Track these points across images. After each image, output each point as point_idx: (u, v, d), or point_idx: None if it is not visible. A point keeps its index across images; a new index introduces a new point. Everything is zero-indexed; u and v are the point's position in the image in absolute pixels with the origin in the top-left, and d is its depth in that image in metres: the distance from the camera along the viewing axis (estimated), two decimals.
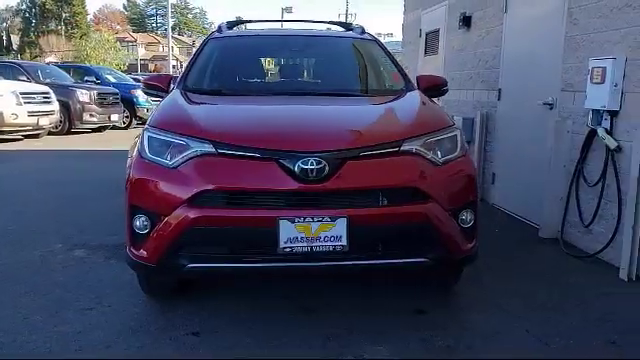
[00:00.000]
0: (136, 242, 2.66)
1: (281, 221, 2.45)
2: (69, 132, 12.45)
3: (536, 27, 4.80)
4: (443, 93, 3.82)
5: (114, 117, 13.33)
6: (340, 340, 2.60)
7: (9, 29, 57.86)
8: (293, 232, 2.46)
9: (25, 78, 12.11)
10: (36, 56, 46.94)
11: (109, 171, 6.72)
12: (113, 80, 15.54)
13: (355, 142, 2.68)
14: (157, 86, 3.70)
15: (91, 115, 12.54)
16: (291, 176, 2.48)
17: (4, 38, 55.99)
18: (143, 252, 2.63)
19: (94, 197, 5.65)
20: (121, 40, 53.20)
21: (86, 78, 14.36)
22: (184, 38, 71.35)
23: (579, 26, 4.12)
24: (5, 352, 2.46)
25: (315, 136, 2.68)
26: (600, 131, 3.74)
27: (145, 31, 74.68)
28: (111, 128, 13.90)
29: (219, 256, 2.63)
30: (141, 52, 59.39)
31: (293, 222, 2.46)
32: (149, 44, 66.29)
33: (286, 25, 6.88)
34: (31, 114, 10.61)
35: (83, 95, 12.44)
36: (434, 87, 3.72)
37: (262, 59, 4.52)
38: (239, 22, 4.95)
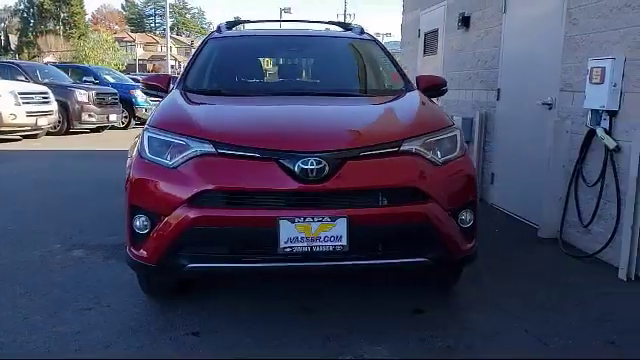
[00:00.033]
0: (136, 242, 2.66)
1: (281, 221, 2.45)
2: (67, 132, 12.44)
3: (535, 27, 4.80)
4: (442, 93, 3.82)
5: (113, 117, 13.31)
6: (340, 340, 2.60)
7: (7, 29, 57.78)
8: (293, 232, 2.46)
9: (23, 78, 12.11)
10: (34, 56, 46.89)
11: (108, 171, 6.72)
12: (112, 80, 15.53)
13: (355, 142, 2.68)
14: (157, 86, 3.70)
15: (90, 115, 12.54)
16: (291, 176, 2.49)
17: (2, 38, 55.90)
18: (143, 252, 2.63)
19: (93, 197, 5.65)
20: (119, 40, 53.26)
21: (84, 78, 14.37)
22: (182, 38, 71.37)
23: (578, 26, 4.12)
24: (5, 352, 2.45)
25: (315, 136, 2.68)
26: (599, 131, 3.75)
27: (143, 31, 74.66)
28: (110, 128, 13.89)
29: (219, 256, 2.63)
30: (139, 52, 59.39)
31: (293, 222, 2.46)
32: (147, 44, 66.28)
33: (285, 25, 6.88)
34: (29, 114, 10.60)
35: (82, 95, 12.43)
36: (433, 87, 3.72)
37: (262, 59, 4.52)
38: (238, 22, 4.95)
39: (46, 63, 22.07)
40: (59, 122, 12.09)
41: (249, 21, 5.30)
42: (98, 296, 3.06)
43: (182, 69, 3.94)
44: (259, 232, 2.51)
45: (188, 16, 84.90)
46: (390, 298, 3.15)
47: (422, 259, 2.66)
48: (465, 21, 6.14)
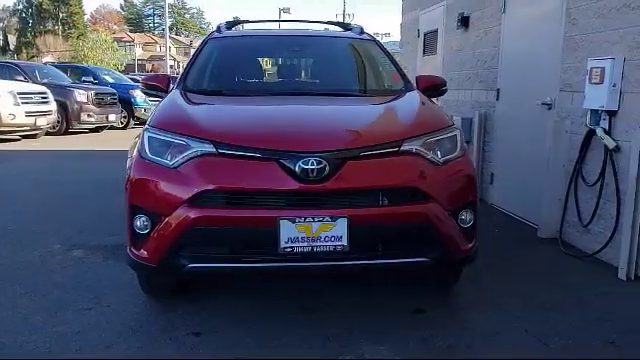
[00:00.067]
0: (136, 242, 2.66)
1: (282, 221, 2.45)
2: (67, 132, 12.43)
3: (535, 27, 4.81)
4: (442, 93, 3.82)
5: (112, 117, 13.31)
6: (340, 340, 2.60)
7: (6, 29, 57.72)
8: (294, 232, 2.46)
9: (22, 78, 12.09)
10: (33, 56, 46.87)
11: (107, 171, 6.71)
12: (111, 80, 15.52)
13: (355, 142, 2.68)
14: (156, 86, 3.70)
15: (89, 115, 12.53)
16: (291, 176, 2.49)
17: (1, 38, 55.86)
18: (143, 252, 2.63)
19: (93, 197, 5.64)
20: (118, 40, 53.20)
21: (84, 78, 14.37)
22: (181, 38, 71.33)
23: (578, 26, 4.13)
24: (5, 352, 2.45)
25: (315, 136, 2.68)
26: (599, 131, 3.75)
27: (142, 31, 74.62)
28: (109, 128, 13.87)
29: (220, 256, 2.63)
30: (138, 52, 59.35)
31: (294, 222, 2.46)
32: (146, 44, 66.23)
33: (285, 25, 6.89)
34: (29, 114, 10.59)
35: (81, 95, 12.42)
36: (433, 87, 3.72)
37: (262, 59, 4.52)
38: (238, 22, 4.95)
39: (45, 63, 22.04)
40: (58, 122, 12.09)
41: (249, 21, 5.31)
42: (98, 296, 3.06)
43: (181, 69, 3.94)
44: (259, 232, 2.51)
45: (187, 16, 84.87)
46: (390, 298, 3.15)
47: (422, 259, 2.66)
48: (464, 21, 6.14)
